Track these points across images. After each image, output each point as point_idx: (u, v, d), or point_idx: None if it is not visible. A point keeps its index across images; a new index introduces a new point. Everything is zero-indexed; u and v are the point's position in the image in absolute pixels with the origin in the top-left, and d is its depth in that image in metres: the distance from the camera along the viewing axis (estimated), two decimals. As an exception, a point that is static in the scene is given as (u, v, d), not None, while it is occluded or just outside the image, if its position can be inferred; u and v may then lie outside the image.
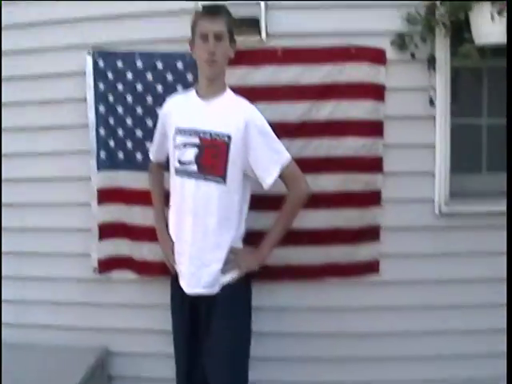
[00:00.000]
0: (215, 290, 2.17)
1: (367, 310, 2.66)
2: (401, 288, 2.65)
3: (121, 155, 2.62)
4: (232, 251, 2.19)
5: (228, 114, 2.17)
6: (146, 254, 2.61)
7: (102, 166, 2.64)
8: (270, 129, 2.18)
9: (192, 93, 2.25)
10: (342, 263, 2.59)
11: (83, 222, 2.69)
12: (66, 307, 2.78)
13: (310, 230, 2.50)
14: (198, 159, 2.14)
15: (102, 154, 2.63)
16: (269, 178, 2.16)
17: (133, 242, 2.65)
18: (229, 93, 2.23)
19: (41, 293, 2.78)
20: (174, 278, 2.27)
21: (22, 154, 2.73)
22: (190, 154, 2.15)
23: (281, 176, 2.18)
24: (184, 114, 2.22)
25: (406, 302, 2.66)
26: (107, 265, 2.70)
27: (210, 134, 2.13)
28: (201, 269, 2.16)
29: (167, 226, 2.33)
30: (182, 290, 2.21)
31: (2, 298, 2.77)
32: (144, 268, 2.64)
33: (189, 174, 2.16)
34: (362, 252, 2.59)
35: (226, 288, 2.18)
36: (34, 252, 2.77)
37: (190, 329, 2.24)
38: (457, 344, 2.67)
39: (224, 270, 2.17)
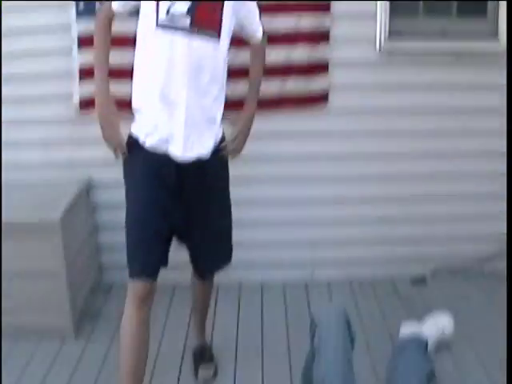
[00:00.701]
0: (208, 155, 2.10)
1: (319, 134, 3.03)
2: (347, 115, 3.00)
3: (98, 4, 2.80)
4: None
5: None
6: (125, 91, 2.65)
7: (80, 14, 2.85)
8: None
9: None
10: (297, 94, 2.92)
11: (66, 67, 2.90)
12: (52, 146, 3.03)
13: (267, 65, 2.54)
14: (193, 11, 1.95)
15: (81, 5, 2.84)
16: (259, 31, 2.23)
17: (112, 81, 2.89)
18: None
19: (29, 134, 3.03)
20: (139, 147, 2.10)
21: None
22: (183, 4, 1.95)
23: None
24: None
25: (351, 127, 3.03)
26: (88, 104, 2.88)
27: None
28: (195, 134, 2.05)
29: None
30: (158, 156, 2.06)
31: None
32: (124, 105, 2.86)
33: (180, 29, 1.95)
34: (313, 84, 2.92)
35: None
36: (20, 95, 2.97)
37: (171, 196, 2.07)
38: (396, 164, 3.11)
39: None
